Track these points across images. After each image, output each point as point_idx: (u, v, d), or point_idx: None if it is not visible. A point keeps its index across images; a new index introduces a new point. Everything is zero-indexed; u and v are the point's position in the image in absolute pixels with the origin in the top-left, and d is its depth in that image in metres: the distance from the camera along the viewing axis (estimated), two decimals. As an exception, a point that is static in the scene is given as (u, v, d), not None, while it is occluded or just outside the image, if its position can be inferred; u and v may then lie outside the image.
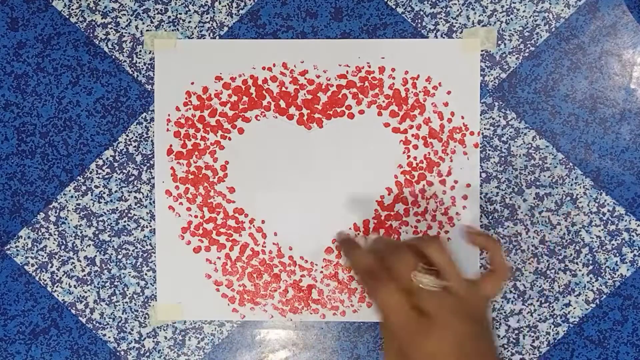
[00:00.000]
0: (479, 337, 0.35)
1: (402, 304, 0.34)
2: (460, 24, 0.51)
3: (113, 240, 0.52)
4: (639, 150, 0.51)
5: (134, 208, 0.52)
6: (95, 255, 0.52)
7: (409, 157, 0.52)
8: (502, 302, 0.51)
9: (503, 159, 0.51)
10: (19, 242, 0.52)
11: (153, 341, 0.52)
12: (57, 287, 0.52)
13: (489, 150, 0.51)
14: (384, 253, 0.37)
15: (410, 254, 0.37)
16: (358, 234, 0.52)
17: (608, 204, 0.51)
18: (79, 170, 0.52)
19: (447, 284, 0.36)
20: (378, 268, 0.37)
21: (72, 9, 0.52)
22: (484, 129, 0.51)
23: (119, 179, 0.52)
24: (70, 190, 0.52)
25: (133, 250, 0.52)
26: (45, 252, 0.52)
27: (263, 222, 0.52)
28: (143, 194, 0.52)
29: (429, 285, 0.35)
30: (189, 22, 0.52)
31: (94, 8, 0.52)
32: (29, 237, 0.52)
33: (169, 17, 0.52)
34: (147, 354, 0.52)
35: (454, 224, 0.52)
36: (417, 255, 0.36)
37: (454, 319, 0.35)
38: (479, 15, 0.51)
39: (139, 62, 0.52)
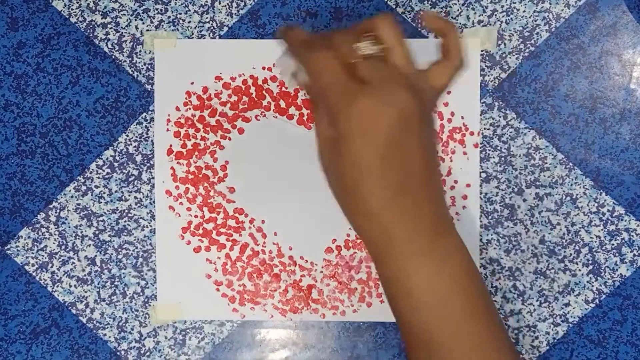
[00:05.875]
0: (422, 119, 0.32)
1: (336, 65, 0.31)
2: (460, 24, 0.51)
3: (113, 240, 0.52)
4: (639, 150, 0.51)
5: (134, 208, 0.52)
6: (96, 255, 0.52)
7: (409, 157, 0.52)
8: (502, 302, 0.51)
9: (503, 159, 0.51)
10: (19, 242, 0.52)
11: (153, 341, 0.52)
12: (57, 287, 0.52)
13: (489, 150, 0.51)
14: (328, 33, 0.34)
15: (354, 32, 0.34)
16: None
17: (608, 204, 0.51)
18: (79, 170, 0.52)
19: (388, 49, 0.32)
20: (317, 39, 0.33)
21: (72, 9, 0.52)
22: (484, 129, 0.51)
23: (119, 179, 0.52)
24: (70, 190, 0.52)
25: (133, 250, 0.52)
26: (45, 252, 0.52)
27: (263, 222, 0.52)
28: (143, 194, 0.52)
29: (368, 49, 0.32)
30: (189, 22, 0.52)
31: (94, 8, 0.52)
32: (29, 237, 0.52)
33: (169, 17, 0.52)
34: (148, 353, 0.52)
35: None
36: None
37: (394, 86, 0.31)
38: (479, 15, 0.51)
39: (139, 62, 0.52)
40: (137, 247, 0.52)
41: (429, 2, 0.51)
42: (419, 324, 0.33)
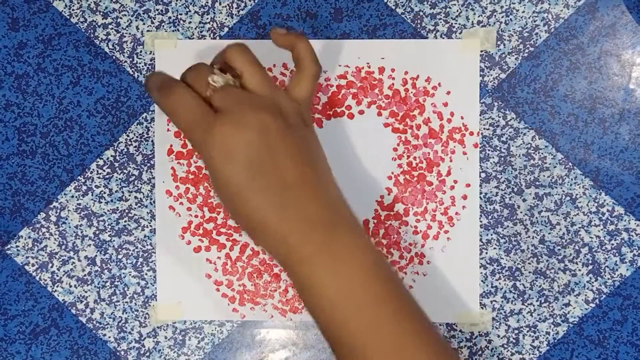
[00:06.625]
0: (287, 131, 0.34)
1: (189, 101, 0.33)
2: (459, 24, 0.51)
3: (113, 240, 0.52)
4: (638, 150, 0.51)
5: (135, 208, 0.52)
6: (96, 255, 0.52)
7: (409, 157, 0.52)
8: (502, 302, 0.51)
9: (502, 159, 0.51)
10: (19, 242, 0.52)
11: (153, 341, 0.52)
12: (57, 287, 0.52)
13: (489, 150, 0.52)
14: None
15: (206, 65, 0.35)
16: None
17: (607, 203, 0.51)
18: (79, 170, 0.52)
19: (240, 78, 0.34)
20: (171, 81, 0.35)
21: (73, 10, 0.52)
22: (484, 129, 0.51)
23: (119, 179, 0.52)
24: (70, 190, 0.52)
25: (133, 250, 0.52)
26: (45, 252, 0.52)
27: (263, 222, 0.52)
28: (143, 194, 0.52)
29: (221, 81, 0.33)
30: (190, 22, 0.52)
31: (94, 9, 0.52)
32: (29, 237, 0.52)
33: (170, 17, 0.52)
34: (147, 353, 0.52)
35: (454, 224, 0.52)
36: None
37: (245, 109, 0.32)
38: (479, 16, 0.51)
39: (140, 63, 0.52)
40: (137, 247, 0.52)
41: (429, 3, 0.51)
42: (330, 322, 0.34)
